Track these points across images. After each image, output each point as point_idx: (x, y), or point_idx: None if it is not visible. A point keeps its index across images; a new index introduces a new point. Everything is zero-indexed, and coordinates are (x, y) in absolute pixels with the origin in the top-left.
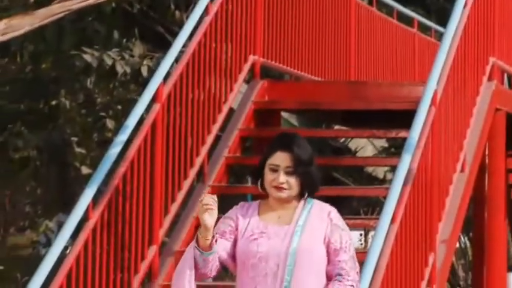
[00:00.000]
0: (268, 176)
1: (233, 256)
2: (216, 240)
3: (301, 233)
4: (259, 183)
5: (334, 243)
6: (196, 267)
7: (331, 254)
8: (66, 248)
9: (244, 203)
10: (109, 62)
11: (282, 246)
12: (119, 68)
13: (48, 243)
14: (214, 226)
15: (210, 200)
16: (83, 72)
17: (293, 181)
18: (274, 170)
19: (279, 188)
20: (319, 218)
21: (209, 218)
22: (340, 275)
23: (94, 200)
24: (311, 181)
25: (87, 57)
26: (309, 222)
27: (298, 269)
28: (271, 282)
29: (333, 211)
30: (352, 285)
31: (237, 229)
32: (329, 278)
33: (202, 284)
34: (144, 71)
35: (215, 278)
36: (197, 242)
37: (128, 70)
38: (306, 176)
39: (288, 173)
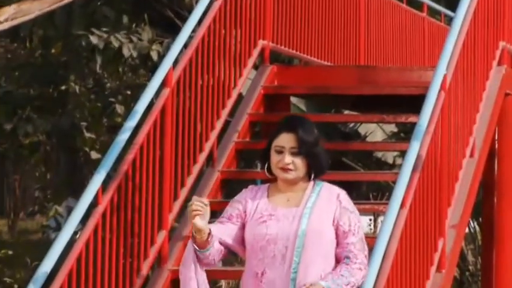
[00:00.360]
0: (274, 157)
1: (239, 241)
2: (211, 237)
3: (310, 215)
4: (266, 167)
5: (342, 226)
6: (198, 258)
7: (339, 237)
8: (75, 232)
9: (253, 186)
10: (116, 44)
11: (290, 229)
12: (126, 51)
13: (58, 228)
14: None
15: (199, 205)
16: (89, 54)
17: (299, 162)
18: (280, 151)
19: (284, 169)
20: (328, 200)
21: (199, 221)
22: (348, 257)
23: (103, 185)
24: (317, 162)
25: (94, 39)
26: (318, 204)
27: (307, 251)
28: (280, 264)
29: (342, 193)
30: (360, 268)
31: (245, 212)
32: (338, 260)
33: (212, 270)
34: (154, 56)
35: (225, 263)
36: (194, 239)
37: (135, 54)
38: (312, 156)
39: (293, 154)
